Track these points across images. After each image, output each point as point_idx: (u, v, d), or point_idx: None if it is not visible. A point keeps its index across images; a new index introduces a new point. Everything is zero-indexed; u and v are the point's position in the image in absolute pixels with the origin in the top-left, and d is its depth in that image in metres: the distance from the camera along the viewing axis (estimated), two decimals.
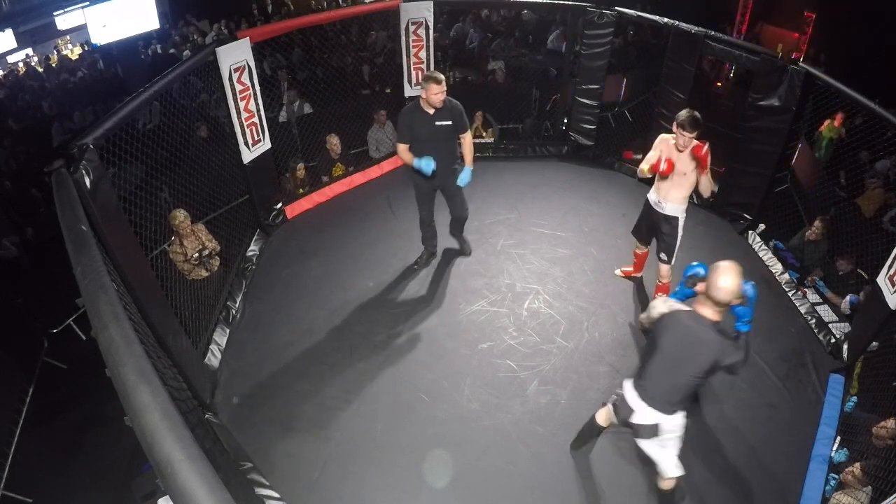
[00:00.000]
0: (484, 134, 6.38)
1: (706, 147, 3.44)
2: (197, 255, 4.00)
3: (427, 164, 3.67)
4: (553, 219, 5.09)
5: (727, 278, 2.26)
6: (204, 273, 4.11)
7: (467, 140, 3.90)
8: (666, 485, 2.75)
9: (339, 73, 6.40)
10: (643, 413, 2.55)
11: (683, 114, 3.40)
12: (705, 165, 3.46)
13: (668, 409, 2.51)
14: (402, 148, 3.80)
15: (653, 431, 2.57)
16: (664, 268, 3.93)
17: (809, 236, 4.74)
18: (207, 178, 4.44)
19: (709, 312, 2.36)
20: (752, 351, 3.80)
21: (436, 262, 4.57)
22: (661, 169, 3.52)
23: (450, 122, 3.75)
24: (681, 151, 3.50)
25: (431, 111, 3.70)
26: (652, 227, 3.90)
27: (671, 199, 3.68)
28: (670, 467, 2.66)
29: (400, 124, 3.79)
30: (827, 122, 6.54)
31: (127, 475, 3.48)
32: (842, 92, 3.96)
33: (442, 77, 3.61)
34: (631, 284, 4.39)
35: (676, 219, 3.73)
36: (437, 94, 3.58)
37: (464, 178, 3.91)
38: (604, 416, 2.91)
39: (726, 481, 3.11)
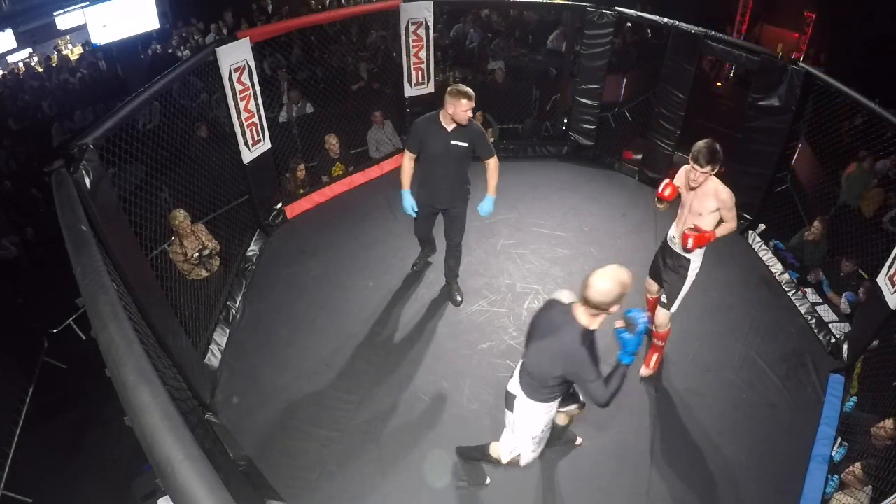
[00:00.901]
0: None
1: (691, 241, 3.02)
2: (197, 255, 4.00)
3: (408, 204, 3.62)
4: (553, 219, 5.09)
5: (603, 280, 2.06)
6: (204, 273, 4.11)
7: (492, 166, 3.55)
8: (492, 452, 2.80)
9: (339, 72, 6.40)
10: (512, 381, 2.52)
11: (699, 144, 2.90)
12: (705, 241, 3.06)
13: (526, 390, 2.42)
14: (407, 156, 3.58)
15: (510, 403, 2.52)
16: (662, 315, 3.39)
17: (808, 237, 4.73)
18: (207, 178, 4.44)
19: (581, 313, 2.17)
20: (753, 352, 3.85)
21: (436, 263, 4.57)
22: (661, 193, 3.11)
23: (465, 144, 3.44)
24: (693, 188, 3.05)
25: (449, 127, 3.41)
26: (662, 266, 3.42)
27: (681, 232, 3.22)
28: (505, 448, 2.68)
29: (411, 132, 3.56)
30: (854, 166, 5.75)
31: (127, 475, 3.48)
32: (842, 92, 3.96)
33: (473, 94, 3.28)
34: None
35: (687, 260, 3.22)
36: (465, 110, 3.28)
37: (485, 206, 3.61)
38: None
39: (726, 481, 3.11)
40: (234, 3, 10.71)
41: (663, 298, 3.37)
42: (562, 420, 2.91)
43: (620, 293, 2.09)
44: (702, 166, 2.88)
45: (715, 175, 3.00)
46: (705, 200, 3.04)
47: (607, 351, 2.48)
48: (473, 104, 3.32)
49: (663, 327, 3.46)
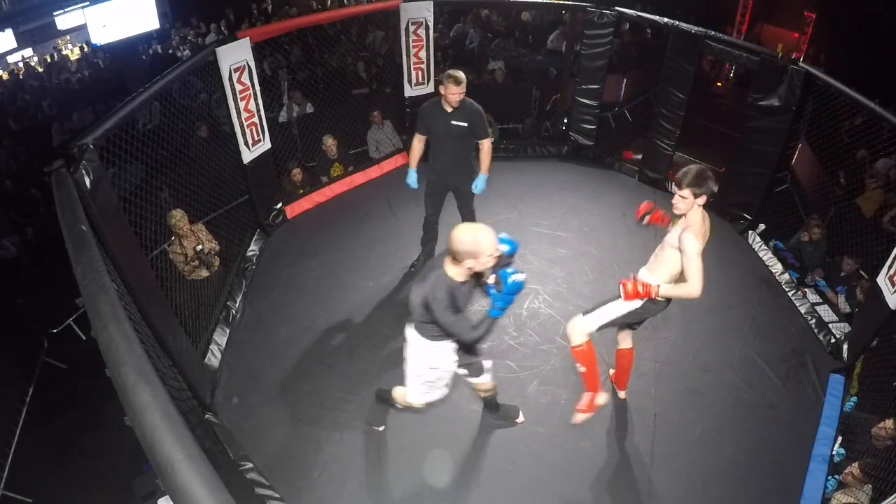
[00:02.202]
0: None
1: (622, 289, 2.77)
2: (193, 252, 3.99)
3: (411, 179, 3.96)
4: (553, 219, 5.09)
5: (461, 232, 2.26)
6: (205, 273, 4.11)
7: (485, 147, 3.81)
8: (395, 394, 2.99)
9: (338, 73, 6.40)
10: (408, 326, 2.71)
11: (689, 167, 2.62)
12: (637, 297, 2.74)
13: (416, 325, 2.62)
14: (416, 138, 3.88)
15: (405, 345, 2.73)
16: (572, 321, 3.02)
17: (804, 238, 4.73)
18: (207, 178, 4.44)
19: (447, 263, 2.37)
20: (753, 352, 3.85)
21: None
22: (640, 210, 2.98)
23: (465, 124, 3.70)
24: (676, 215, 2.72)
25: (449, 109, 3.67)
26: None
27: (650, 267, 2.90)
28: (401, 390, 2.92)
29: (418, 116, 3.83)
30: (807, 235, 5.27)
31: (127, 475, 3.47)
32: (842, 92, 3.96)
33: (462, 78, 3.54)
34: None
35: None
36: (453, 94, 3.55)
37: (478, 185, 3.88)
38: None
39: (726, 481, 3.11)
40: (234, 4, 10.72)
41: (590, 306, 3.09)
42: (481, 392, 3.12)
43: (473, 248, 2.25)
44: (679, 187, 2.57)
45: (703, 204, 2.61)
46: (673, 231, 2.70)
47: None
48: (463, 88, 3.55)
49: (571, 339, 2.98)
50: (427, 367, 2.72)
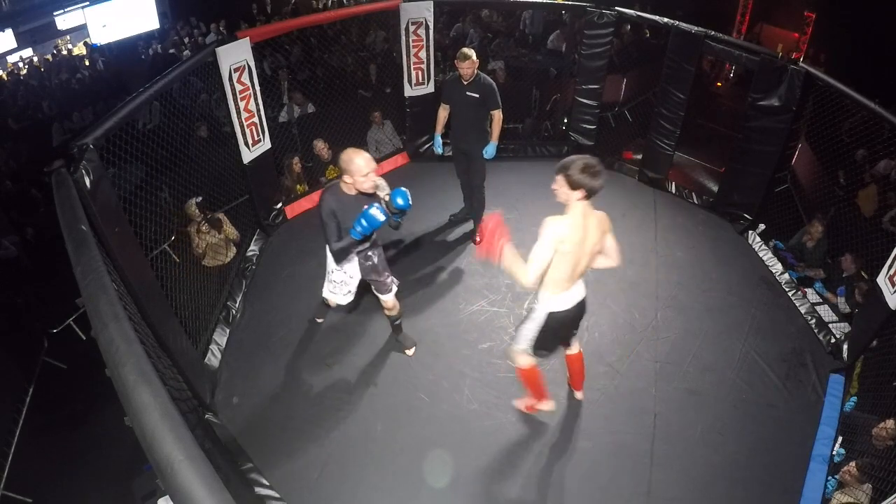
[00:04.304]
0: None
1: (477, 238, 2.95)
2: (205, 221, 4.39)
3: (437, 144, 4.62)
4: None
5: (346, 152, 2.83)
6: (227, 258, 4.45)
7: (496, 118, 4.27)
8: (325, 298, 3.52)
9: (339, 73, 6.40)
10: None
11: (574, 158, 2.55)
12: (486, 248, 2.55)
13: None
14: (441, 107, 4.48)
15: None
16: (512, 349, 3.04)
17: (806, 239, 4.73)
18: (207, 178, 4.44)
19: (343, 179, 2.91)
20: (753, 352, 3.86)
21: (435, 262, 4.57)
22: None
23: (477, 96, 4.18)
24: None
25: (465, 82, 4.17)
26: None
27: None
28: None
29: (441, 88, 4.54)
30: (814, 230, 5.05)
31: (127, 475, 3.47)
32: (842, 92, 3.96)
33: (468, 54, 4.08)
34: (631, 284, 4.39)
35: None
36: (464, 68, 4.10)
37: (488, 150, 4.35)
38: None
39: (726, 481, 3.11)
40: (234, 4, 10.71)
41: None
42: (386, 310, 3.57)
43: (346, 166, 2.81)
44: (555, 174, 2.51)
45: (583, 198, 2.51)
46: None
47: None
48: (470, 63, 4.09)
49: (515, 362, 3.06)
50: (332, 268, 3.25)
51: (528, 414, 3.40)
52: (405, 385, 3.59)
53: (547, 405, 3.26)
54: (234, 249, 4.61)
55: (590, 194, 2.50)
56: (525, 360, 2.96)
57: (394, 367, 3.71)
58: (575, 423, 3.38)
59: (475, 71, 4.15)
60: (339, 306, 3.72)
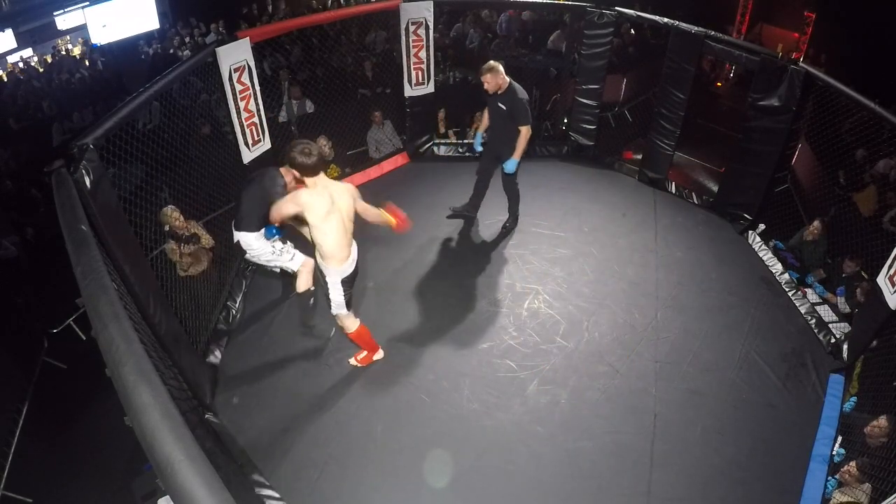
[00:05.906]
0: (484, 134, 6.36)
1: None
2: (186, 235, 4.10)
3: (476, 142, 4.80)
4: (553, 219, 5.09)
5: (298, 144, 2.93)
6: (201, 267, 4.16)
7: (522, 133, 4.23)
8: (301, 285, 3.83)
9: (339, 72, 6.39)
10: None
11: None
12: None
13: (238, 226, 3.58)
14: (485, 110, 4.55)
15: (240, 248, 3.70)
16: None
17: (807, 237, 4.73)
18: (208, 178, 4.44)
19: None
20: (753, 352, 3.86)
21: (435, 262, 4.57)
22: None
23: (505, 108, 4.22)
24: None
25: (492, 93, 4.24)
26: None
27: None
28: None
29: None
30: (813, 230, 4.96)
31: (127, 475, 3.47)
32: (842, 92, 3.96)
33: (488, 68, 4.10)
34: (631, 284, 4.39)
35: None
36: (485, 81, 4.14)
37: (507, 165, 4.38)
38: None
39: (726, 481, 3.11)
40: (234, 4, 10.70)
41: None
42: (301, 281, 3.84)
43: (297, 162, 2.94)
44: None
45: (301, 177, 3.02)
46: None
47: None
48: (489, 77, 4.11)
49: (347, 329, 3.49)
50: (268, 251, 3.75)
51: (528, 414, 3.40)
52: (405, 385, 3.59)
53: (379, 354, 3.71)
54: (210, 255, 4.35)
55: (310, 170, 2.92)
56: (352, 321, 3.43)
57: (394, 367, 3.71)
58: (575, 423, 3.38)
59: (503, 83, 4.15)
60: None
